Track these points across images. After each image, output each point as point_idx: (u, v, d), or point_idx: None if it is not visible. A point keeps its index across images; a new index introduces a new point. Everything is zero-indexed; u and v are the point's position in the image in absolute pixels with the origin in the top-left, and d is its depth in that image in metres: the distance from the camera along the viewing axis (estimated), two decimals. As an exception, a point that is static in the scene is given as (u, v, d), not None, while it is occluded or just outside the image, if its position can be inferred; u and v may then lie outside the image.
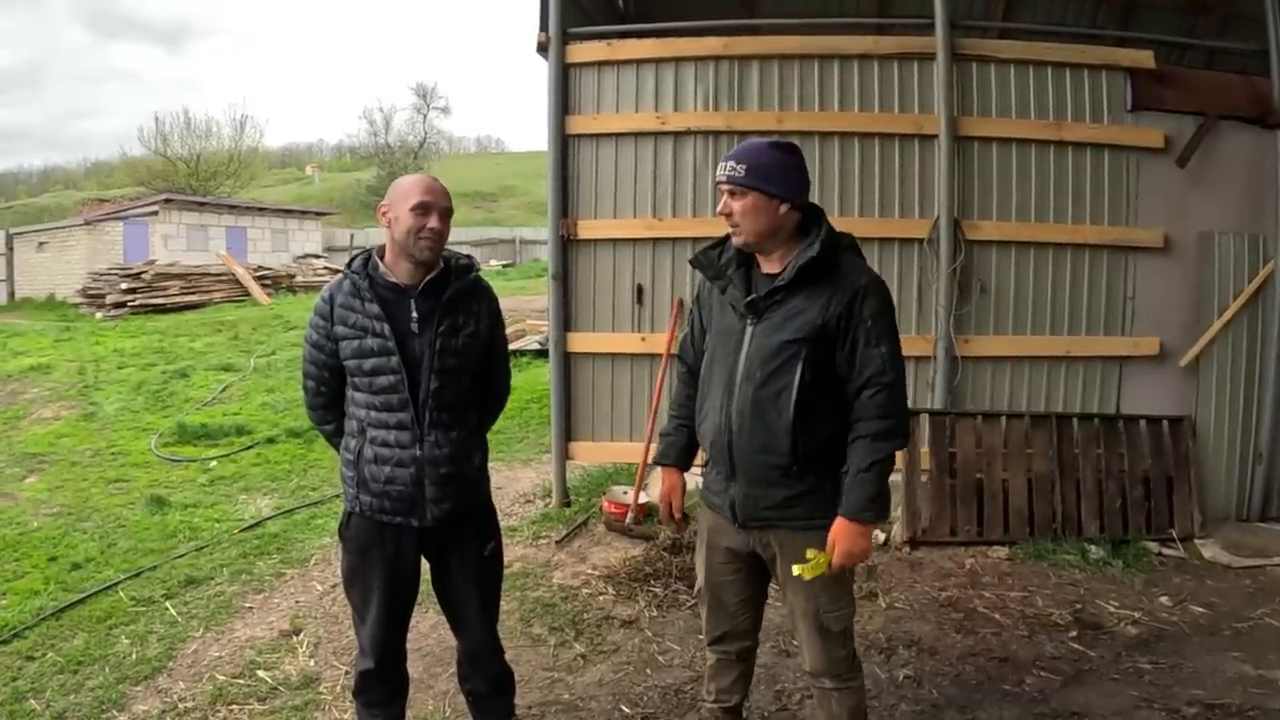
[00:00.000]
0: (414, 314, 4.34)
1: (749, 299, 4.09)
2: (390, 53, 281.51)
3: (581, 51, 9.08)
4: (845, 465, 4.03)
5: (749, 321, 4.10)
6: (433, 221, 4.26)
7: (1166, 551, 8.37)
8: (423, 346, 4.33)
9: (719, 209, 4.09)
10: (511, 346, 18.66)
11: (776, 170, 4.05)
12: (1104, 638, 6.64)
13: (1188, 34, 12.39)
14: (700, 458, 4.58)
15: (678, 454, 4.63)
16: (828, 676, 4.28)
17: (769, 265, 4.15)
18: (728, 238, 4.24)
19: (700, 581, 4.64)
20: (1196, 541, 8.51)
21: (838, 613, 4.22)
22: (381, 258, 4.43)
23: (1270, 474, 9.03)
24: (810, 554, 3.96)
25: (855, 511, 3.96)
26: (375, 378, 4.32)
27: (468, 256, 4.66)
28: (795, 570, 3.98)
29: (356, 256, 4.50)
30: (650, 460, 4.89)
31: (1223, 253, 8.91)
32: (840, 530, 3.98)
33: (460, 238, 57.02)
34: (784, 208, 4.04)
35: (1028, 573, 7.87)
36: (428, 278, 4.37)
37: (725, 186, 4.05)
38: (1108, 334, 8.93)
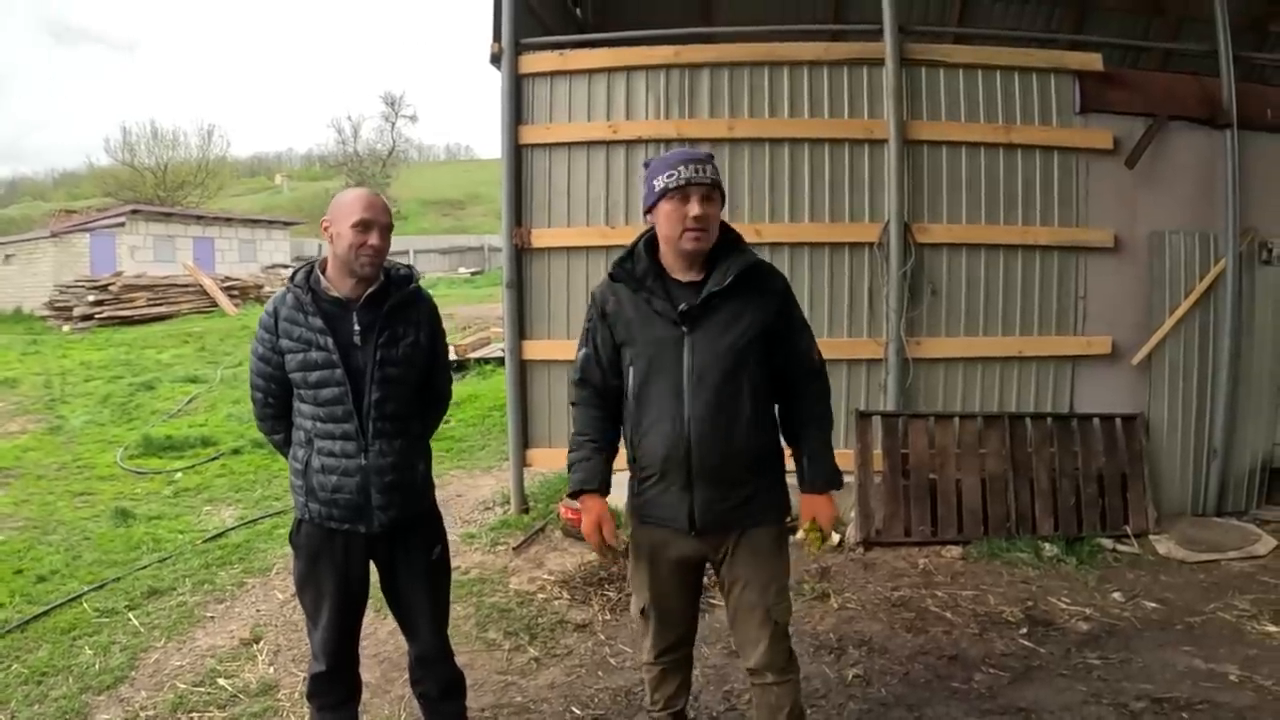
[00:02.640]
0: (356, 326, 4.40)
1: (684, 308, 4.12)
2: (359, 62, 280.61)
3: (534, 62, 9.14)
4: (788, 454, 4.35)
5: (684, 329, 4.13)
6: (373, 239, 4.33)
7: (1121, 548, 8.43)
8: (365, 358, 4.40)
9: (696, 212, 4.06)
10: (476, 354, 18.77)
11: None
12: (1054, 634, 6.70)
13: (1142, 36, 12.56)
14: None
15: (600, 480, 4.54)
16: (771, 671, 4.35)
17: (686, 273, 4.22)
18: (634, 249, 4.35)
19: (644, 602, 4.63)
20: (1151, 537, 8.58)
21: (783, 605, 4.35)
22: (323, 271, 4.48)
23: (1225, 469, 9.15)
24: (803, 531, 4.30)
25: (824, 483, 4.40)
26: (320, 390, 4.39)
27: (407, 267, 4.73)
28: (806, 548, 4.40)
29: (299, 270, 4.56)
30: (568, 491, 4.85)
31: (1173, 251, 9.02)
32: (817, 503, 4.40)
33: (429, 245, 57.04)
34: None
35: (981, 571, 7.94)
36: (368, 291, 4.43)
37: (705, 189, 4.08)
38: (1060, 334, 9.03)
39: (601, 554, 4.78)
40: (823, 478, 4.36)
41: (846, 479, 8.36)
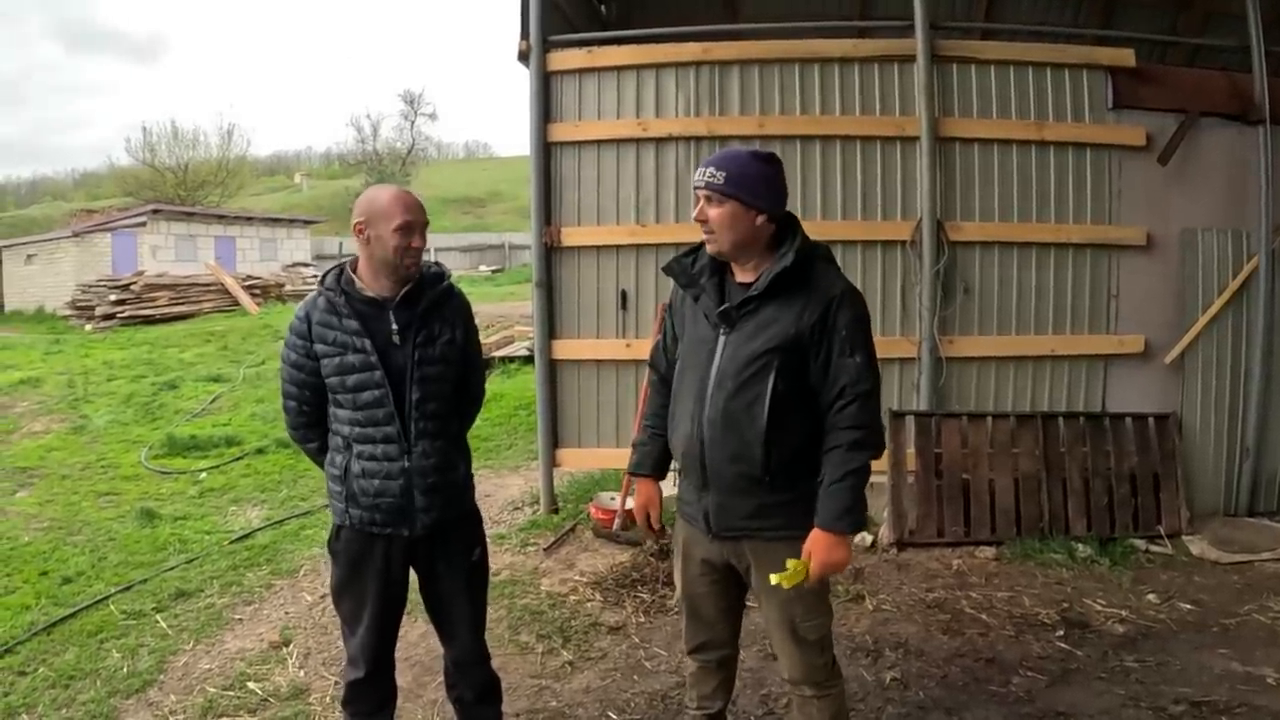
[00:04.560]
0: (393, 326, 4.36)
1: (722, 308, 4.05)
2: (377, 60, 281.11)
3: (562, 59, 9.10)
4: (819, 476, 3.99)
5: (722, 331, 4.06)
6: (416, 241, 4.31)
7: (1154, 548, 8.37)
8: (404, 358, 4.36)
9: (695, 215, 4.05)
10: (500, 353, 18.74)
11: (757, 180, 4.00)
12: (1091, 636, 6.65)
13: (1170, 31, 12.45)
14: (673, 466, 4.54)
15: (653, 464, 4.57)
16: (807, 684, 4.27)
17: (743, 274, 4.12)
18: (701, 245, 4.20)
19: (678, 593, 4.63)
20: (1184, 538, 8.51)
21: (813, 622, 4.19)
22: (354, 271, 4.45)
23: (1257, 468, 9.07)
24: (790, 563, 3.90)
25: (830, 522, 3.91)
26: (359, 393, 4.34)
27: (437, 264, 4.70)
28: (773, 579, 3.92)
29: (329, 272, 4.52)
30: (626, 470, 4.83)
31: (1206, 249, 8.94)
32: (816, 541, 3.94)
33: (449, 244, 57.05)
34: (761, 219, 3.99)
35: (1015, 572, 7.89)
36: (404, 290, 4.40)
37: (703, 192, 4.00)
38: (1092, 332, 8.96)
39: (647, 535, 4.76)
40: (829, 515, 3.93)
41: (879, 479, 8.34)
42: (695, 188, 4.05)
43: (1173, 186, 8.91)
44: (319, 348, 4.37)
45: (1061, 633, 6.70)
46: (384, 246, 4.29)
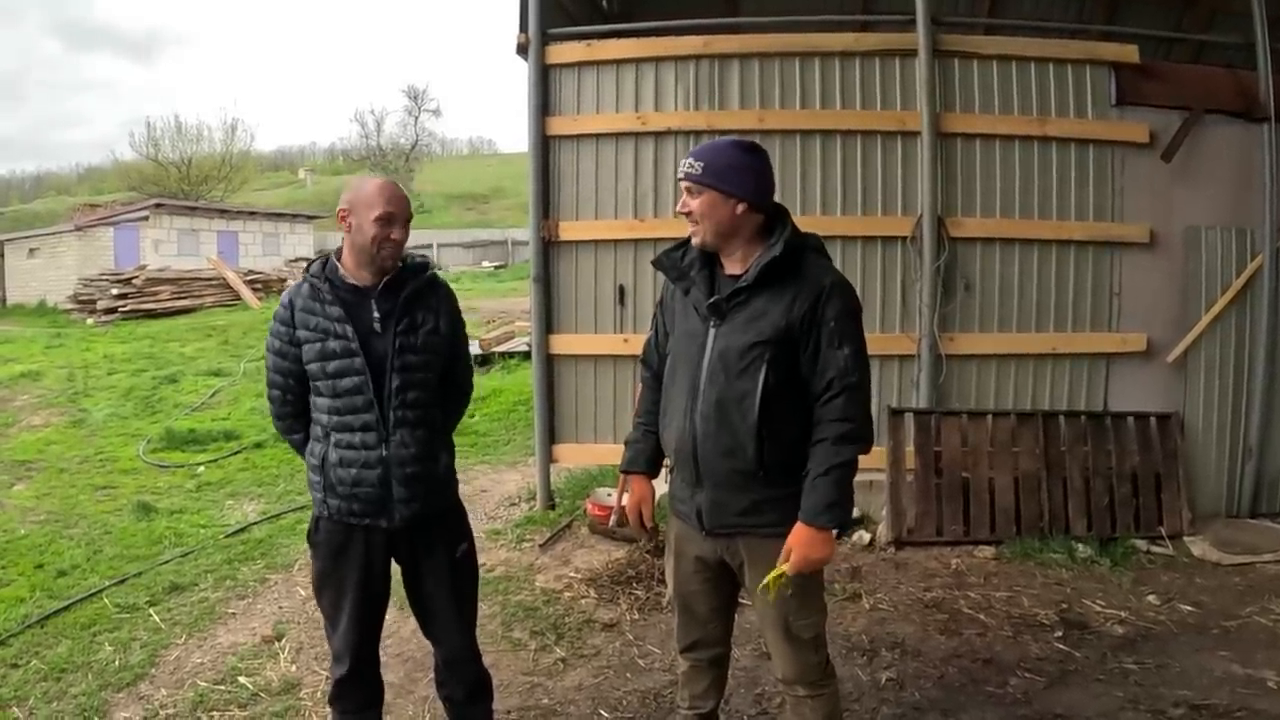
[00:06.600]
0: (375, 313, 4.36)
1: (711, 300, 4.01)
2: (381, 55, 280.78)
3: (561, 52, 9.07)
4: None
5: (712, 324, 4.02)
6: (395, 233, 4.31)
7: (1155, 549, 8.32)
8: (385, 345, 4.34)
9: (679, 206, 4.05)
10: (501, 348, 18.76)
11: (735, 169, 3.98)
12: (1090, 638, 6.60)
13: (1175, 28, 12.41)
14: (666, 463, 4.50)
15: (646, 461, 4.50)
16: (801, 684, 4.22)
17: (732, 266, 4.08)
18: (690, 239, 4.18)
19: (670, 591, 4.58)
20: (1186, 539, 8.45)
21: (807, 620, 4.13)
22: (339, 259, 4.44)
23: (1260, 469, 9.00)
24: (770, 576, 3.88)
25: (812, 516, 3.85)
26: (339, 380, 4.32)
27: (422, 256, 4.69)
28: (758, 589, 3.93)
29: (314, 261, 4.52)
30: (618, 468, 4.78)
31: (1210, 247, 8.88)
32: (797, 535, 3.87)
33: (453, 239, 57.25)
34: (741, 207, 3.96)
35: (1014, 572, 7.84)
36: (386, 278, 4.39)
37: (684, 184, 4.01)
38: (1094, 330, 8.90)
39: (639, 534, 4.71)
40: (812, 509, 3.87)
41: (878, 477, 8.30)
42: (678, 179, 4.05)
43: (1176, 184, 8.85)
44: (301, 334, 4.36)
45: (1060, 634, 6.65)
46: (363, 235, 4.28)
